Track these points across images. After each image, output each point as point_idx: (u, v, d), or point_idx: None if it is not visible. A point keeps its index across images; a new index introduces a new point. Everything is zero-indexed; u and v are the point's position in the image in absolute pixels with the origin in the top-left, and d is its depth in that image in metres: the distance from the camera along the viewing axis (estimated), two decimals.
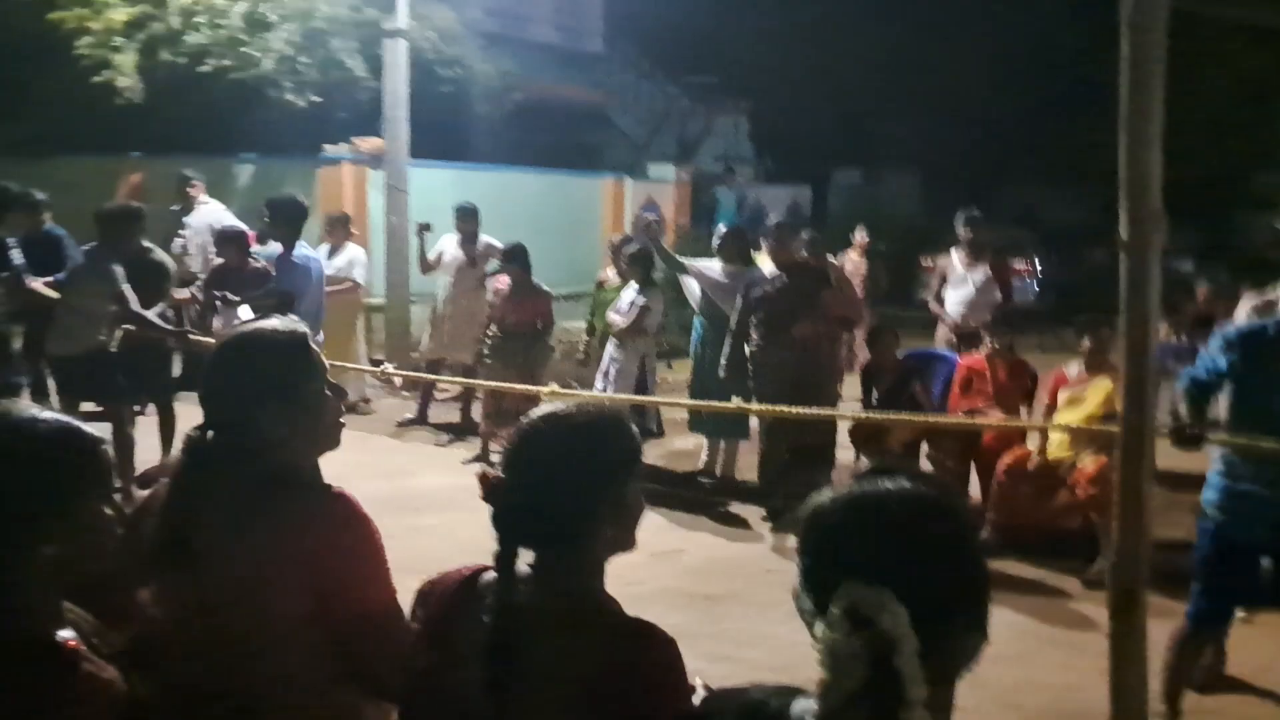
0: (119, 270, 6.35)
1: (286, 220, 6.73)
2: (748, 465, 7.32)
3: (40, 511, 1.59)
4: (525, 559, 1.64)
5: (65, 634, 1.62)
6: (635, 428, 1.75)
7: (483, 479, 1.66)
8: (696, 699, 1.59)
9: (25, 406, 1.74)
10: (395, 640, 1.76)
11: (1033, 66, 18.16)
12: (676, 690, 1.58)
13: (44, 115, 13.01)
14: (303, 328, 2.00)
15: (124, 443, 6.25)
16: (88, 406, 6.42)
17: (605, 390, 7.16)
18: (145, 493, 2.02)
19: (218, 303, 7.21)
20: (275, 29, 11.22)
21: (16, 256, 6.83)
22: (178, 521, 1.83)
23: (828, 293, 6.61)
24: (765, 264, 9.25)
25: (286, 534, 1.80)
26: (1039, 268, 15.38)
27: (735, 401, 6.54)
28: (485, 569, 1.69)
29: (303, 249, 6.70)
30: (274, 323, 2.00)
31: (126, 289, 6.34)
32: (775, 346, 6.44)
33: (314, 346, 1.97)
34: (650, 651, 1.58)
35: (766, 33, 19.11)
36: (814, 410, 5.71)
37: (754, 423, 7.26)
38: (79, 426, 1.70)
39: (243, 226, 8.15)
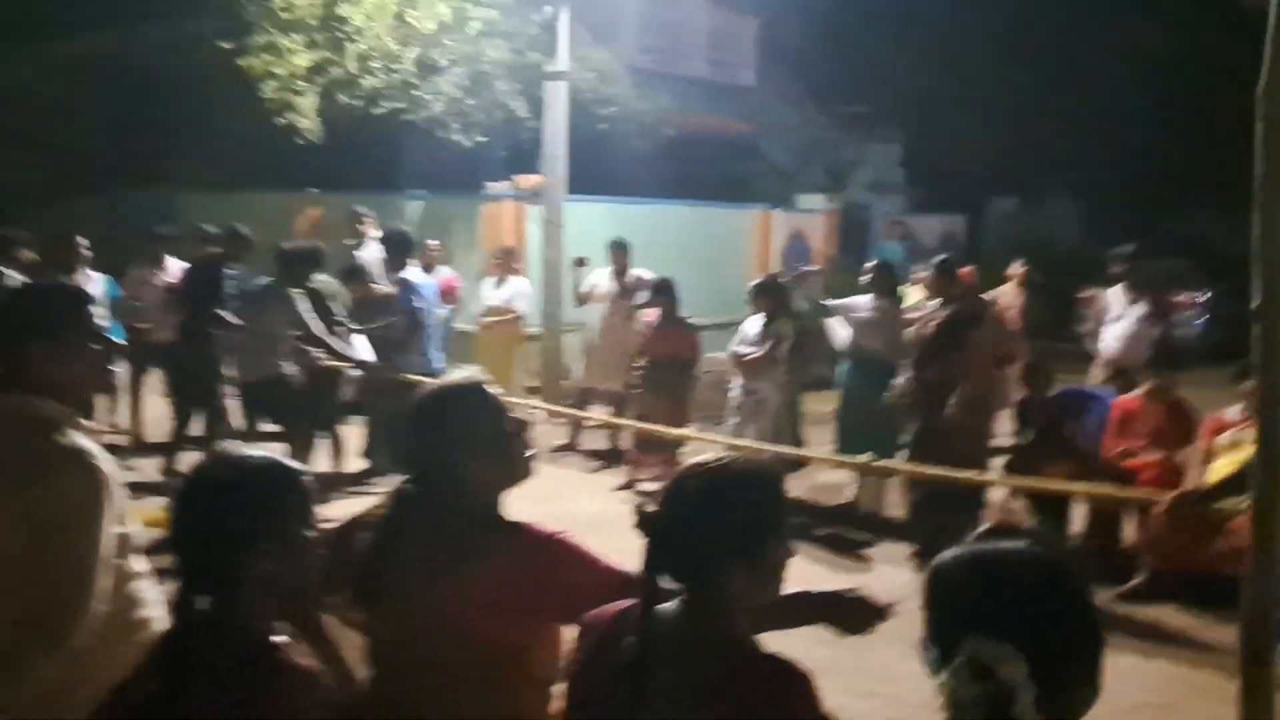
0: (301, 299, 6.88)
1: (395, 248, 7.38)
2: (896, 501, 7.32)
3: (256, 534, 1.82)
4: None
5: (279, 638, 1.86)
6: (784, 485, 1.86)
7: (639, 510, 1.82)
8: None
9: (240, 446, 2.01)
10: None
11: (1203, 88, 17.38)
12: None
13: (233, 154, 14.06)
14: (484, 377, 2.20)
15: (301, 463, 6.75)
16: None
17: (738, 425, 7.20)
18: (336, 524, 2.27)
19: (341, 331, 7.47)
20: (445, 73, 11.81)
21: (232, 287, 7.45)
22: (386, 561, 2.06)
23: (982, 330, 6.49)
24: (915, 297, 9.26)
25: (492, 570, 2.00)
26: (1206, 301, 14.67)
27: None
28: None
29: (409, 273, 7.36)
30: (460, 376, 2.22)
31: (310, 316, 6.87)
32: (928, 383, 6.36)
33: (492, 391, 2.18)
34: (788, 685, 1.68)
35: (921, 60, 18.92)
36: (950, 471, 5.41)
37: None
38: (285, 462, 1.94)
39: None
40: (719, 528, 1.75)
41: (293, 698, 1.74)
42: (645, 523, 1.79)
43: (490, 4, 12.10)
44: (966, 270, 8.96)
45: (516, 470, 2.19)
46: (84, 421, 2.34)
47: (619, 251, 8.99)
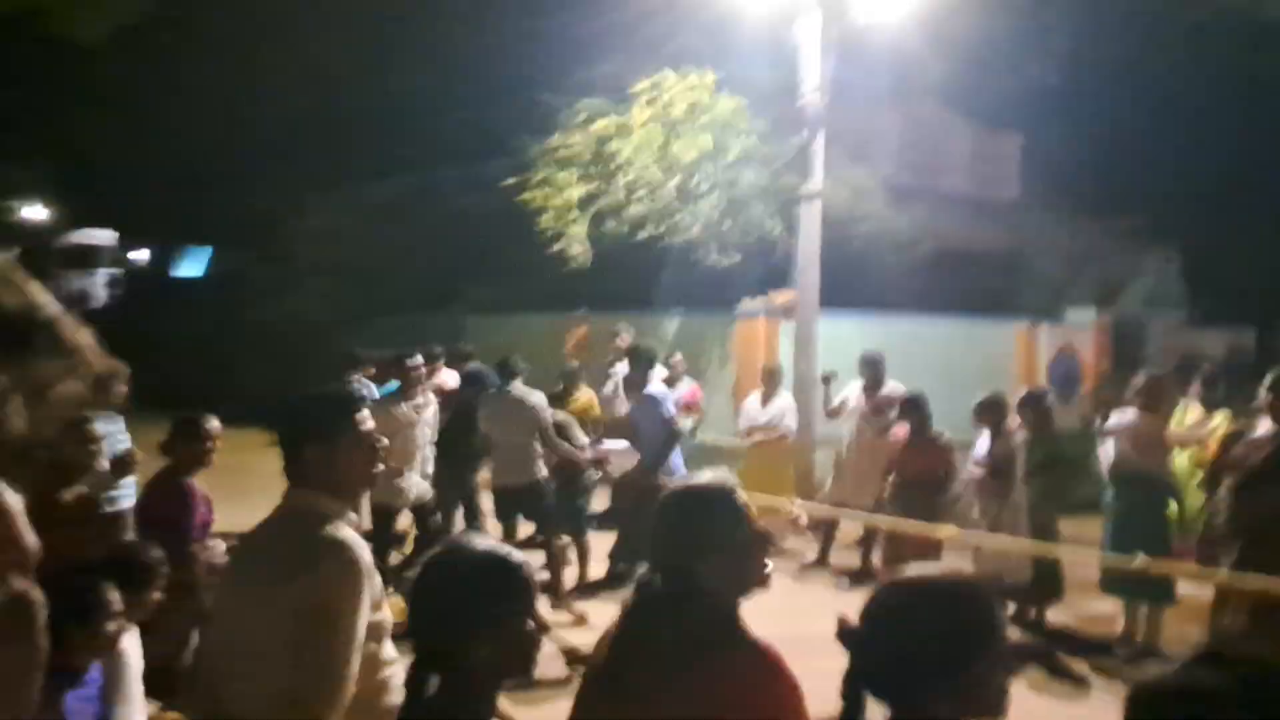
0: (542, 406, 7.46)
1: (640, 363, 7.79)
2: (1173, 635, 6.77)
3: (479, 620, 1.93)
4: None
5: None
6: (994, 603, 1.78)
7: (841, 622, 1.81)
8: None
9: (469, 536, 2.17)
10: None
11: None
12: None
13: (509, 279, 15.27)
14: (730, 479, 2.24)
15: (555, 564, 7.14)
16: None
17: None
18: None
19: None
20: (704, 198, 12.37)
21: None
22: (622, 655, 2.12)
23: None
24: (1193, 413, 8.62)
25: (716, 682, 1.98)
26: None
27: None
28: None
29: (653, 388, 7.69)
30: (706, 476, 2.27)
31: (547, 422, 7.41)
32: (1237, 515, 5.66)
33: (740, 494, 2.21)
34: None
35: (1201, 168, 17.84)
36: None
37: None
38: (508, 554, 2.05)
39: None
40: (918, 644, 1.71)
41: None
42: (846, 636, 1.78)
43: (749, 131, 12.65)
44: None
45: (752, 576, 2.17)
46: (352, 515, 2.57)
47: (869, 366, 8.99)
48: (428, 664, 1.93)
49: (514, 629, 1.96)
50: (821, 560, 9.00)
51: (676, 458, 7.86)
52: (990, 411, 7.20)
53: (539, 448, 7.52)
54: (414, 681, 1.94)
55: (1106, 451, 7.16)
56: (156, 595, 2.87)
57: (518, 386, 7.70)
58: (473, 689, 1.94)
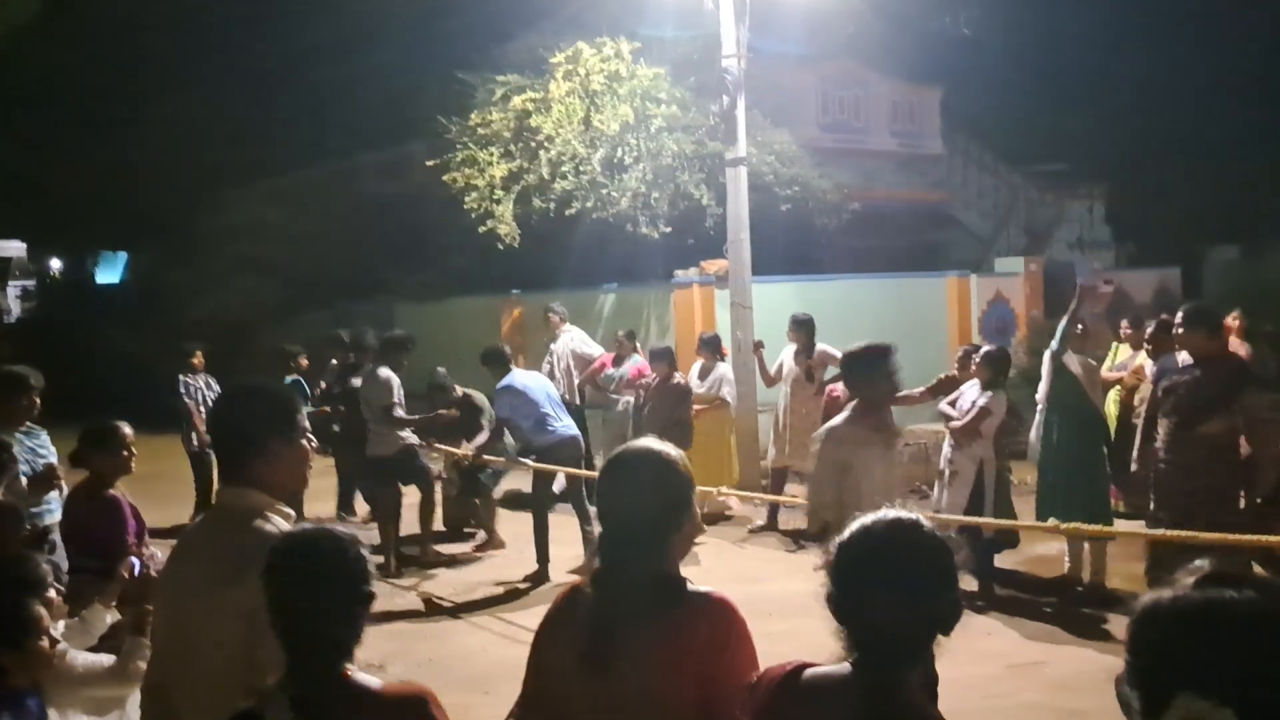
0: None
1: (493, 363, 8.06)
2: (1115, 570, 6.88)
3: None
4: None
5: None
6: (961, 542, 1.84)
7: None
8: None
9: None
10: None
11: None
12: None
13: (438, 264, 15.03)
14: (661, 445, 2.26)
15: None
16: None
17: (943, 495, 6.98)
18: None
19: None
20: (630, 170, 12.27)
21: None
22: (600, 628, 2.11)
23: (1250, 389, 5.84)
24: (1124, 354, 8.79)
25: (683, 634, 2.06)
26: None
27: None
28: (806, 666, 1.83)
29: (510, 378, 7.88)
30: (652, 444, 2.28)
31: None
32: (1182, 446, 5.80)
33: (673, 455, 2.23)
34: None
35: (1118, 110, 18.17)
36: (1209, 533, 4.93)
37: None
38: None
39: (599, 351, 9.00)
40: (898, 588, 1.71)
41: None
42: (832, 600, 1.79)
43: (670, 100, 12.56)
44: (1234, 320, 8.36)
45: (693, 536, 2.24)
46: (289, 511, 2.52)
47: (798, 329, 8.99)
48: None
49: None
50: (771, 524, 9.00)
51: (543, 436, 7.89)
52: (990, 365, 7.00)
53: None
54: None
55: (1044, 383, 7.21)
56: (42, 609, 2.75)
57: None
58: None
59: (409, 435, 8.31)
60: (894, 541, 1.77)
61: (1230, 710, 1.17)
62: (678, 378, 8.77)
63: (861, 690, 1.72)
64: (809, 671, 1.82)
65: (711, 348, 9.51)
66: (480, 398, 8.86)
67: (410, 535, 8.53)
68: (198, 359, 9.66)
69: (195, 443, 9.27)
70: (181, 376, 9.55)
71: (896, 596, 1.70)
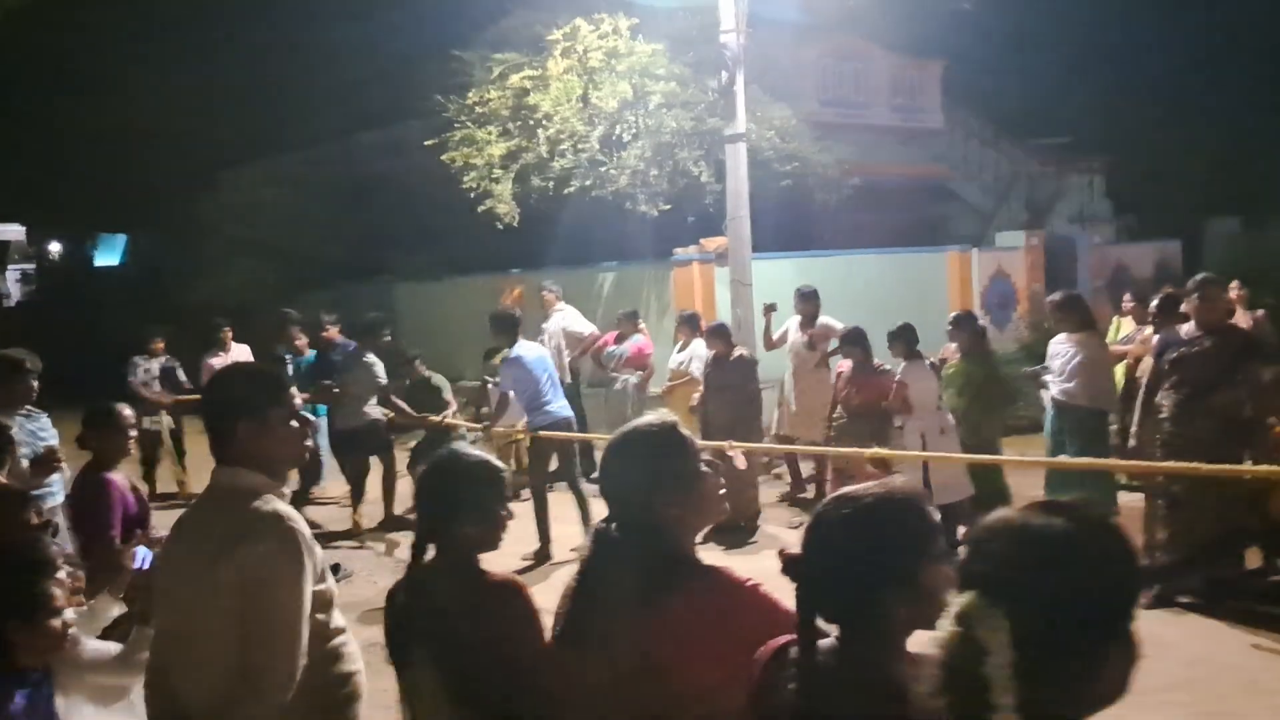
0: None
1: (501, 330, 8.05)
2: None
3: (463, 505, 2.48)
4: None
5: None
6: (926, 509, 1.75)
7: (782, 554, 1.77)
8: None
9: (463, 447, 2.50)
10: None
11: None
12: None
13: (439, 243, 14.97)
14: (672, 418, 2.23)
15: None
16: None
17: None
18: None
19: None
20: (629, 147, 12.20)
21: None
22: (586, 603, 2.12)
23: (1256, 360, 5.88)
24: (1126, 328, 8.76)
25: (684, 615, 2.01)
26: None
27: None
28: (796, 641, 1.80)
29: (519, 349, 7.90)
30: (649, 419, 2.26)
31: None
32: (1192, 417, 5.80)
33: (685, 432, 2.21)
34: None
35: (1118, 83, 18.07)
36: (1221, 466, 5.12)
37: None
38: (489, 460, 2.59)
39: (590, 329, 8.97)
40: (862, 554, 1.69)
41: None
42: (790, 566, 1.76)
43: (669, 77, 12.48)
44: (1235, 290, 8.36)
45: (708, 510, 2.22)
46: (283, 489, 2.54)
47: (805, 300, 8.99)
48: (425, 537, 2.52)
49: (492, 513, 2.52)
50: (797, 490, 9.16)
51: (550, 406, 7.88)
52: (899, 339, 7.29)
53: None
54: (415, 549, 2.52)
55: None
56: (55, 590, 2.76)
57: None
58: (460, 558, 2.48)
59: (375, 410, 8.70)
60: (848, 512, 1.73)
61: (1000, 610, 1.29)
62: (740, 351, 8.55)
63: (843, 662, 1.70)
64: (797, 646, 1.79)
65: (690, 325, 9.48)
66: (440, 379, 9.45)
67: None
68: (158, 344, 10.29)
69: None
70: (134, 358, 10.14)
71: (845, 562, 1.70)
